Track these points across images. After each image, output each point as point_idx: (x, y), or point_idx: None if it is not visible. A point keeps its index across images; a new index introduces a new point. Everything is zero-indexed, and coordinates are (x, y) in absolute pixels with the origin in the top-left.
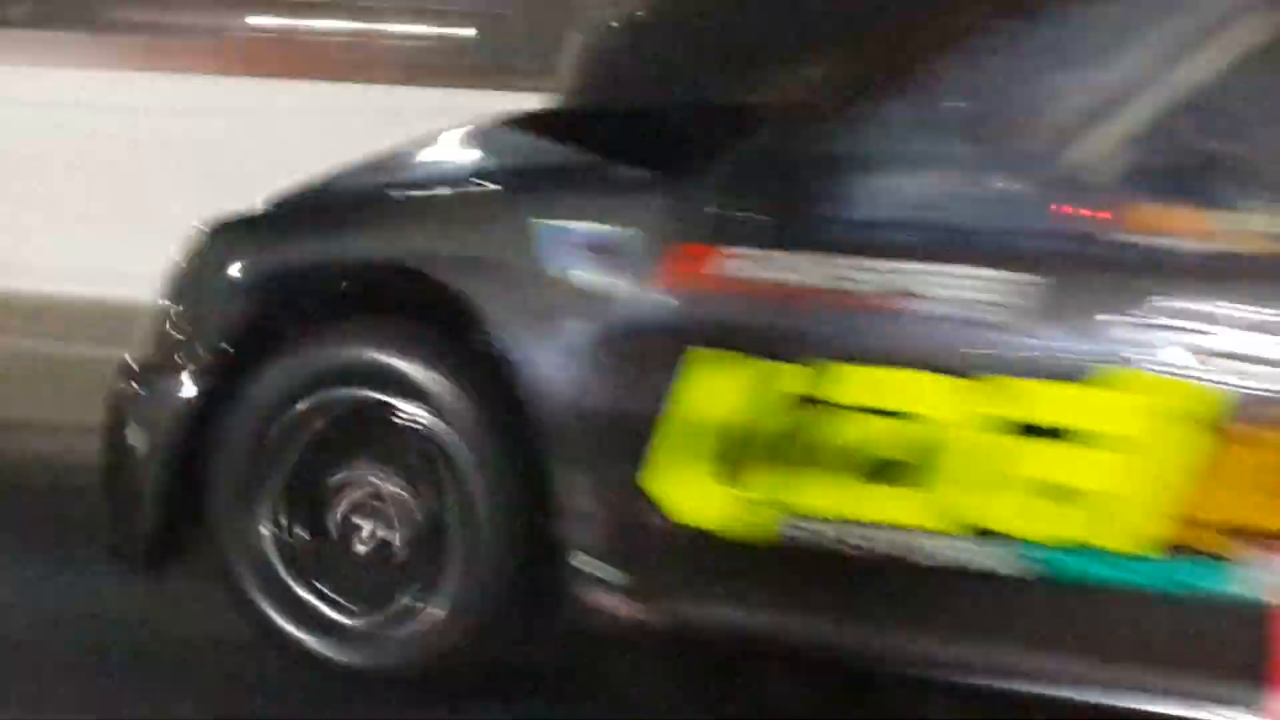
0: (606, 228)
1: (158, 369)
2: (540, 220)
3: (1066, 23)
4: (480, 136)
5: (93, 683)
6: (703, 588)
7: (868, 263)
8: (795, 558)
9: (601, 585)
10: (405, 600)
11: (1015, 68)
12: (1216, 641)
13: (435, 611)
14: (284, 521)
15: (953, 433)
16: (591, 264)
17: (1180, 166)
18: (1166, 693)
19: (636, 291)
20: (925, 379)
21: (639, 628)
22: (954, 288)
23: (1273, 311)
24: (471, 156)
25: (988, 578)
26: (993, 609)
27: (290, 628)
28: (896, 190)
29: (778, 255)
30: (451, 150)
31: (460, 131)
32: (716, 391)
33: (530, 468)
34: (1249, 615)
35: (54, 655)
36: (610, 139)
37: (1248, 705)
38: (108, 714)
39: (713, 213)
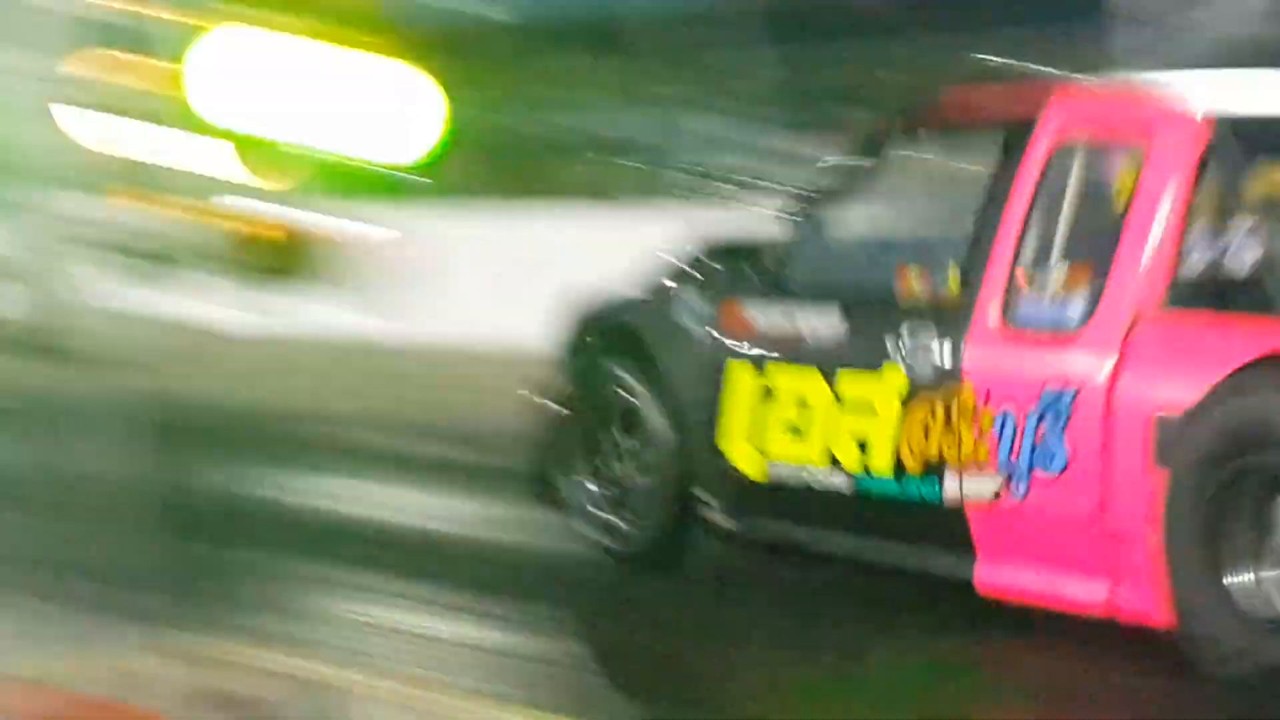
0: (696, 296)
1: None
2: (678, 293)
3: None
4: (696, 251)
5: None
6: (755, 510)
7: (792, 310)
8: (776, 489)
9: (710, 508)
10: None
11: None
12: (939, 528)
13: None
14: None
15: (819, 406)
16: (693, 317)
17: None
18: (913, 560)
19: (707, 330)
20: (808, 372)
21: (733, 535)
22: (824, 328)
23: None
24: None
25: (838, 496)
26: (842, 514)
27: None
28: (810, 278)
29: (759, 306)
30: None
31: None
32: (737, 386)
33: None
34: (954, 512)
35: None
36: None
37: (961, 569)
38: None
39: (732, 281)
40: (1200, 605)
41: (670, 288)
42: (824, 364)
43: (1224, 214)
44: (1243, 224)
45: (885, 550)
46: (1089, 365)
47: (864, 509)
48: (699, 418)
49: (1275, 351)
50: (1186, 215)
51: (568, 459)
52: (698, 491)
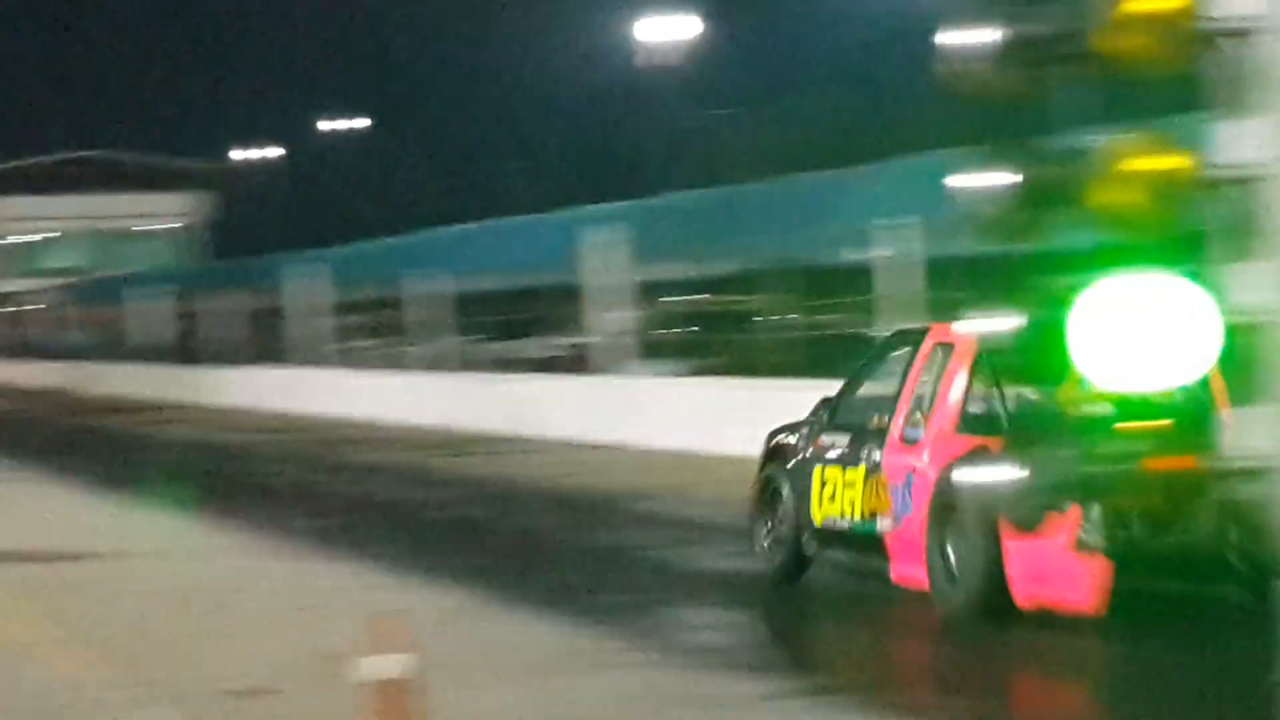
0: (806, 429)
1: None
2: (802, 426)
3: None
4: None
5: None
6: (820, 542)
7: (833, 438)
8: (825, 530)
9: (804, 542)
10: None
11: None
12: (876, 546)
13: None
14: None
15: (838, 485)
16: (803, 440)
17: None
18: (866, 564)
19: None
20: (835, 469)
21: (810, 557)
22: (843, 447)
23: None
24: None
25: (845, 532)
26: (847, 541)
27: None
28: (842, 421)
29: (823, 435)
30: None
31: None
32: (814, 479)
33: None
34: (880, 537)
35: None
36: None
37: (884, 568)
38: None
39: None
40: (936, 572)
41: (803, 421)
42: (841, 464)
43: (984, 386)
44: (992, 393)
45: (859, 560)
46: (921, 461)
47: (853, 538)
48: (803, 496)
49: (982, 445)
50: (966, 387)
51: (761, 514)
52: (798, 532)
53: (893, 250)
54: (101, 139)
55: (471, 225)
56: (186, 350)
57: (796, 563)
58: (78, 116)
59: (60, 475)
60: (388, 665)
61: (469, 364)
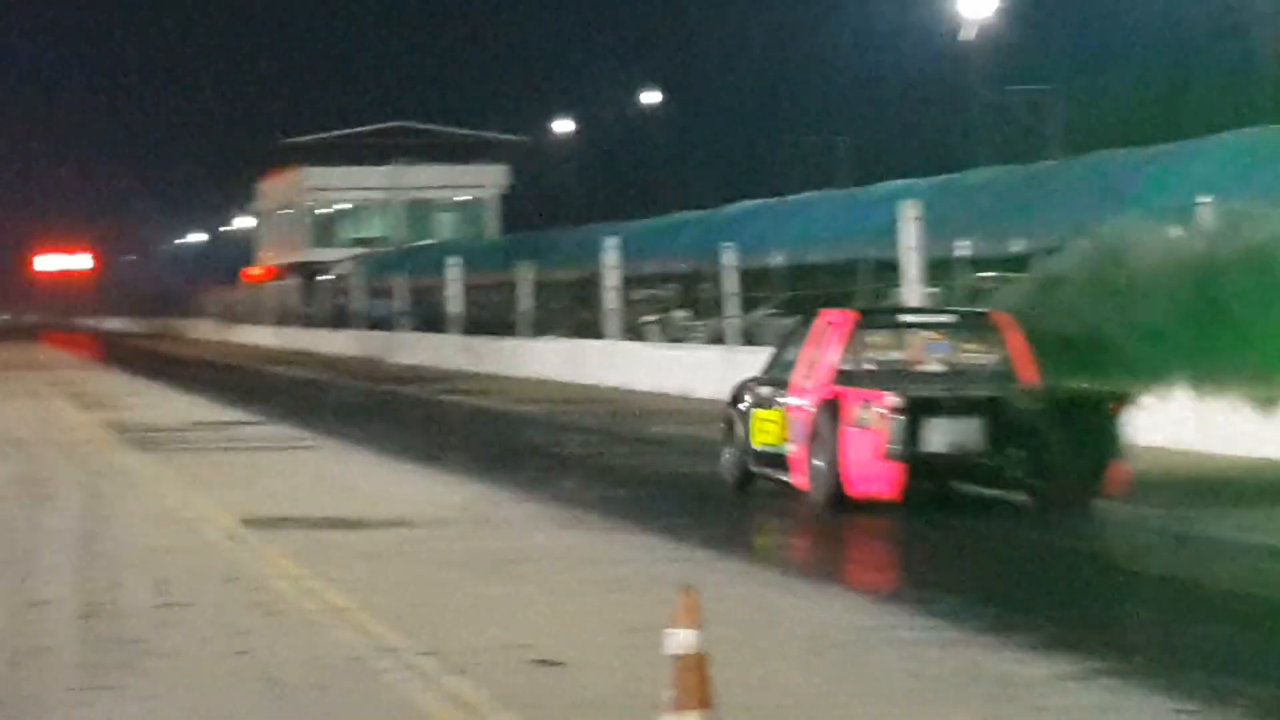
0: (754, 381)
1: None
2: (753, 378)
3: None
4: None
5: None
6: (757, 462)
7: (763, 389)
8: (760, 453)
9: (750, 462)
10: None
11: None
12: (786, 463)
13: None
14: None
15: (764, 421)
16: (748, 391)
17: None
18: (780, 478)
19: (749, 397)
20: (763, 411)
21: (754, 473)
22: (767, 396)
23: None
24: None
25: (768, 453)
26: (771, 461)
27: None
28: (768, 377)
29: (758, 387)
30: None
31: None
32: (752, 418)
33: None
34: (786, 456)
35: None
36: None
37: (790, 479)
38: None
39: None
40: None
41: (751, 378)
42: (766, 407)
43: (865, 350)
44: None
45: (777, 474)
46: (807, 403)
47: (773, 459)
48: (747, 429)
49: (834, 395)
50: (845, 347)
51: (725, 442)
52: (745, 456)
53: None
54: (407, 112)
55: (764, 200)
56: (492, 321)
57: (745, 476)
58: (386, 90)
59: (358, 444)
60: (689, 639)
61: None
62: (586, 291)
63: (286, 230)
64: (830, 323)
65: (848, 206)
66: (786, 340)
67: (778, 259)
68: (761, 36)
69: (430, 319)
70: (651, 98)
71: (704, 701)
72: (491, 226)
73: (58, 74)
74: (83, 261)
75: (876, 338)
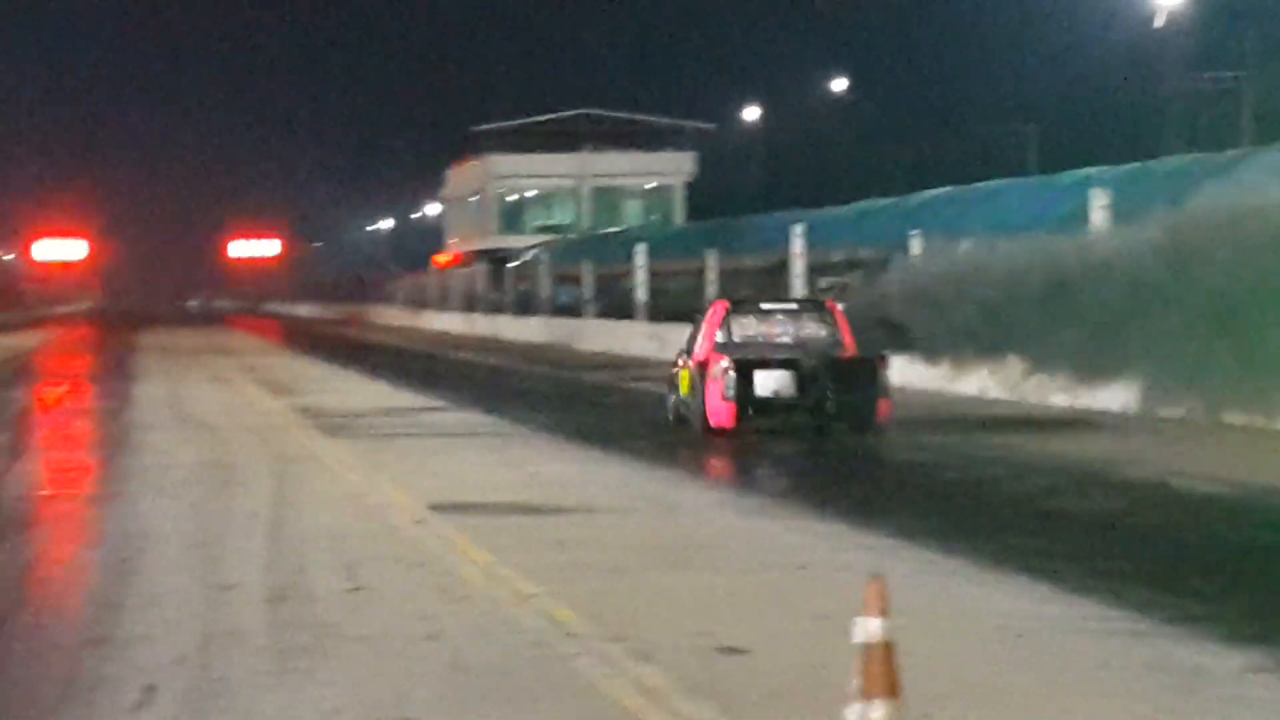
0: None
1: None
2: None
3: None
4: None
5: None
6: (684, 408)
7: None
8: (684, 402)
9: (682, 407)
10: None
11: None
12: (696, 410)
13: None
14: None
15: (683, 376)
16: (685, 353)
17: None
18: (694, 420)
19: (684, 357)
20: (682, 370)
21: (682, 416)
22: (683, 358)
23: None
24: None
25: (688, 403)
26: (688, 408)
27: None
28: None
29: (686, 352)
30: None
31: None
32: (681, 374)
33: None
34: (697, 402)
35: None
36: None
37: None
38: None
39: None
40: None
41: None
42: (685, 367)
43: (736, 329)
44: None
45: (692, 418)
46: (698, 364)
47: (686, 403)
48: (676, 384)
49: (705, 359)
50: (720, 328)
51: (671, 392)
52: (678, 402)
53: None
54: (595, 99)
55: (953, 188)
56: (678, 308)
57: (678, 419)
58: (574, 77)
59: (546, 430)
60: (876, 626)
61: None
62: (773, 278)
63: (474, 217)
64: (714, 310)
65: (1037, 193)
66: (697, 323)
67: (966, 246)
68: (951, 23)
69: (616, 306)
70: (839, 85)
71: (891, 690)
72: (678, 213)
73: (255, 65)
74: (272, 248)
75: (746, 320)
